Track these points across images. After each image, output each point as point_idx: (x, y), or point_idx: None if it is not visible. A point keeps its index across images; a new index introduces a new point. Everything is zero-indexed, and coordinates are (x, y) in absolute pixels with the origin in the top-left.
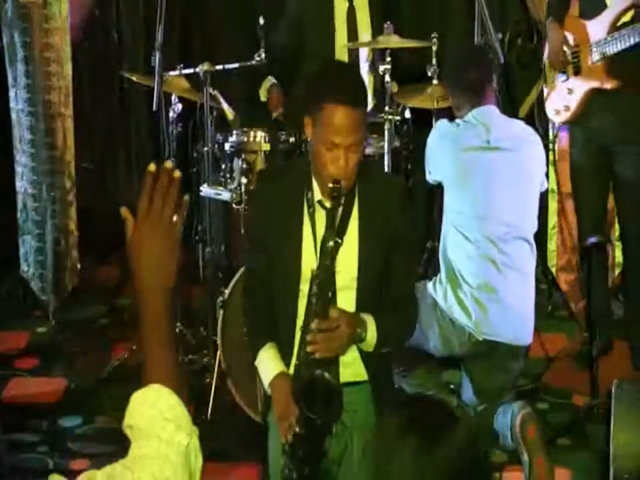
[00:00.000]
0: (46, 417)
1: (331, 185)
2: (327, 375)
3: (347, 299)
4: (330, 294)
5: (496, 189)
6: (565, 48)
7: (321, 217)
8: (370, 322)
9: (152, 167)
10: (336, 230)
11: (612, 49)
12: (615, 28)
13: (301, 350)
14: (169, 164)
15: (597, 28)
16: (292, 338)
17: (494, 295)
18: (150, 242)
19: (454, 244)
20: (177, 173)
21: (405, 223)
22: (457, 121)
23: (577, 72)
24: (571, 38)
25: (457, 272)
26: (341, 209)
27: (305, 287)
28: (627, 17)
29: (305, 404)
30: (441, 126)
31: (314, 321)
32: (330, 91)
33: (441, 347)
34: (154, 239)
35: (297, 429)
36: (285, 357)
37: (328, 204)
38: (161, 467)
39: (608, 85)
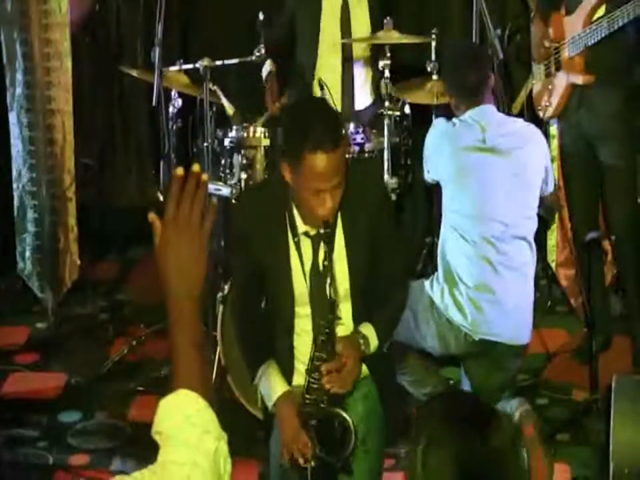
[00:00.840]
0: (46, 413)
1: (322, 231)
2: (343, 414)
3: (343, 310)
4: (335, 337)
5: (492, 188)
6: (546, 42)
7: (307, 245)
8: (370, 333)
9: (180, 170)
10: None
11: (586, 42)
12: (589, 22)
13: (308, 388)
14: (196, 167)
15: (573, 23)
16: (290, 355)
17: (491, 296)
18: (177, 246)
19: (452, 244)
20: (205, 177)
21: (386, 219)
22: (454, 120)
23: (558, 67)
24: (552, 33)
25: (454, 272)
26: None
27: (299, 309)
28: (601, 11)
29: (319, 444)
30: (438, 125)
31: (322, 365)
32: (309, 141)
33: (438, 345)
34: (181, 243)
35: (303, 462)
36: (283, 371)
37: (312, 232)
38: (190, 472)
39: (585, 80)
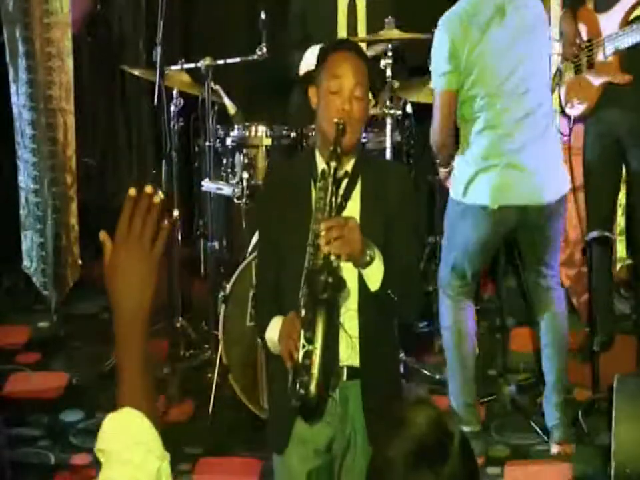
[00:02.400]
0: (47, 412)
1: (335, 121)
2: (334, 263)
3: (350, 281)
4: (336, 204)
5: (510, 58)
6: (577, 40)
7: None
8: (377, 252)
9: (132, 191)
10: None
11: (623, 44)
12: (626, 22)
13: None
14: (149, 188)
15: (609, 22)
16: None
17: (511, 163)
18: (127, 266)
19: (475, 125)
20: (157, 198)
21: (405, 205)
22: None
23: (590, 66)
24: (584, 31)
25: (473, 151)
26: (343, 187)
27: None
28: (638, 11)
29: (310, 285)
30: (447, 19)
31: (321, 223)
32: (334, 45)
33: (477, 244)
34: (131, 263)
35: (303, 340)
36: None
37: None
38: None
39: (620, 80)
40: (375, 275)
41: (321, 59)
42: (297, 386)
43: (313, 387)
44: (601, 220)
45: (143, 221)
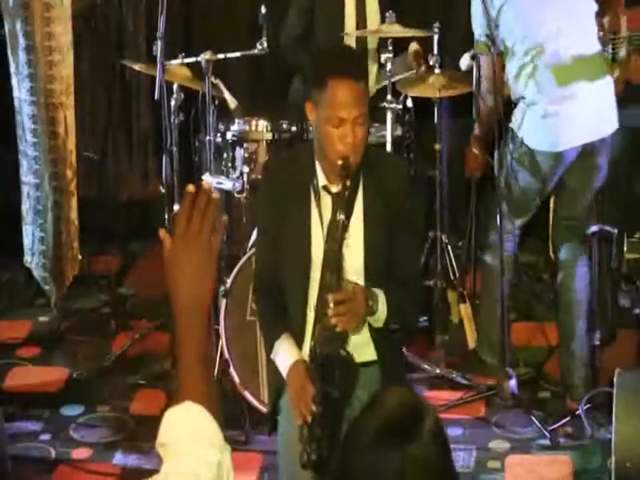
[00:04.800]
0: (48, 406)
1: (340, 162)
2: (342, 351)
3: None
4: (341, 269)
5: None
6: (600, 33)
7: (327, 202)
8: (380, 295)
9: (191, 187)
10: (344, 207)
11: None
12: None
13: (314, 332)
14: (206, 184)
15: (635, 19)
16: (303, 326)
17: (559, 107)
18: (186, 260)
19: (524, 73)
20: (216, 195)
21: (408, 205)
22: None
23: (613, 58)
24: (608, 24)
25: (527, 98)
26: (347, 193)
27: (315, 274)
28: None
29: (322, 378)
30: None
31: (329, 295)
32: (333, 67)
33: (533, 185)
34: (190, 257)
35: (314, 407)
36: (297, 344)
37: (333, 188)
38: None
39: (637, 79)
40: (378, 319)
41: (319, 80)
42: (309, 455)
43: (324, 453)
44: (610, 213)
45: (202, 217)
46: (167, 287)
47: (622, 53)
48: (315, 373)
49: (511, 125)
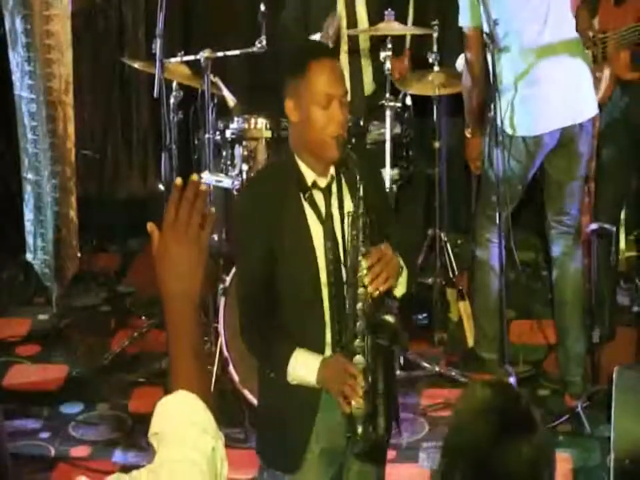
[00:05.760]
0: (47, 404)
1: (334, 137)
2: (389, 316)
3: None
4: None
5: None
6: (590, 33)
7: (319, 197)
8: (399, 257)
9: (179, 180)
10: (356, 196)
11: (632, 39)
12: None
13: (335, 327)
14: (195, 177)
15: (623, 16)
16: (322, 329)
17: (537, 89)
18: (175, 252)
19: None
20: (204, 187)
21: (380, 182)
22: None
23: (604, 57)
24: (598, 23)
25: (503, 86)
26: (335, 187)
27: (323, 275)
28: None
29: (376, 334)
30: None
31: (362, 261)
32: (312, 52)
33: (515, 172)
34: (180, 249)
35: (362, 386)
36: (317, 350)
37: (322, 183)
38: (187, 471)
39: (630, 76)
40: (402, 282)
41: (300, 68)
42: (367, 433)
43: (381, 432)
44: (609, 211)
45: (190, 209)
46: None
47: (611, 46)
48: (370, 328)
49: (489, 112)
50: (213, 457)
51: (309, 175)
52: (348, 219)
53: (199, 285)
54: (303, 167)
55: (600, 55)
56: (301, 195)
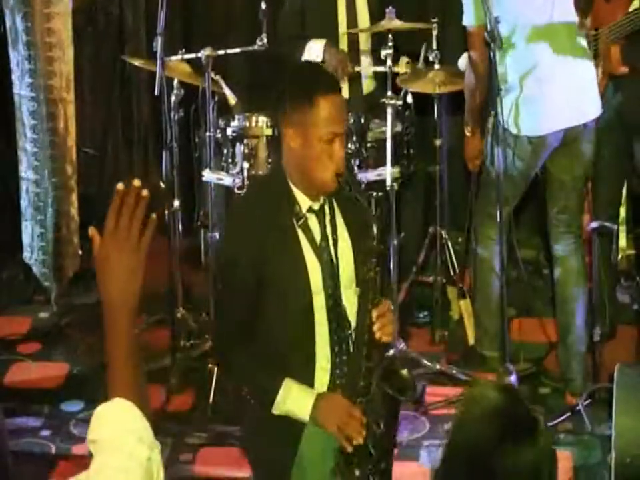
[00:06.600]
0: (48, 402)
1: (337, 172)
2: (403, 371)
3: (348, 298)
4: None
5: None
6: (583, 30)
7: (314, 222)
8: None
9: (120, 185)
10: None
11: (622, 32)
12: (626, 12)
13: (333, 348)
14: (136, 182)
15: (612, 11)
16: (312, 353)
17: (539, 90)
18: (115, 259)
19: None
20: (145, 192)
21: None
22: None
23: (596, 55)
24: (590, 20)
25: (506, 84)
26: (328, 215)
27: (316, 299)
28: (636, 3)
29: (387, 385)
30: None
31: (373, 311)
32: (320, 84)
33: (518, 171)
34: (120, 256)
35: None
36: (306, 378)
37: (316, 206)
38: (124, 478)
39: (620, 71)
40: None
41: (305, 101)
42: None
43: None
44: (607, 209)
45: (130, 215)
46: (165, 283)
47: (602, 42)
48: (381, 381)
49: (492, 111)
50: (148, 466)
51: (304, 201)
52: (359, 257)
53: (137, 292)
54: (298, 194)
55: (592, 52)
56: (294, 222)
